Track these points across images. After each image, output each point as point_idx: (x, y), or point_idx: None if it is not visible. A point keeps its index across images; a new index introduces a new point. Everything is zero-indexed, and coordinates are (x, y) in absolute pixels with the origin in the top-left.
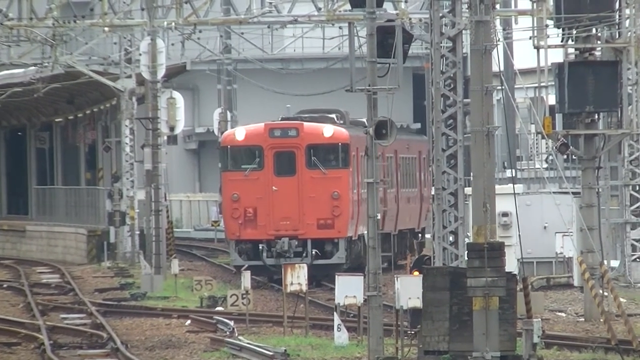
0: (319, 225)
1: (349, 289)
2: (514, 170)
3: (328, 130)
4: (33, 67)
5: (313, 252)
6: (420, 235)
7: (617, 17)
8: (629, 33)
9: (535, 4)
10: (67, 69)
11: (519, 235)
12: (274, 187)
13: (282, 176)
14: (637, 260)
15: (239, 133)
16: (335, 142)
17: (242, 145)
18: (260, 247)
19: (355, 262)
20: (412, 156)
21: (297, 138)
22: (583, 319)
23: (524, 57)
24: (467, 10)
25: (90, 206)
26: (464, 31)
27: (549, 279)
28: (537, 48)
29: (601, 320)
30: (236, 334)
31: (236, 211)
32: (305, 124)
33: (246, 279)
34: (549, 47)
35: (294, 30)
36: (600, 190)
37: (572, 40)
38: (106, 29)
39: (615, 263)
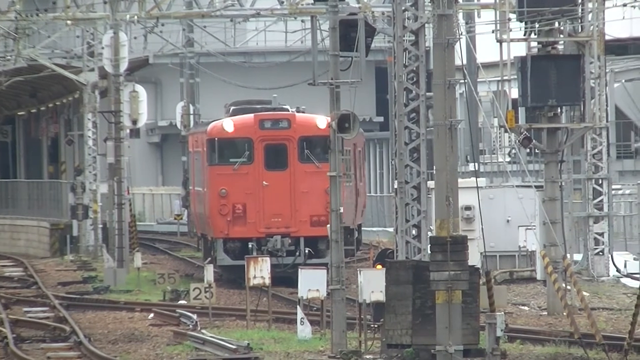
0: (312, 223)
1: (312, 283)
2: (476, 164)
3: (321, 122)
4: None
5: (306, 251)
6: (356, 232)
7: (580, 10)
8: (592, 27)
9: None
10: (29, 62)
11: (482, 228)
12: (264, 182)
13: (273, 170)
14: (600, 253)
15: (227, 124)
16: (329, 134)
17: (230, 138)
18: (250, 246)
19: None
20: (346, 149)
21: (289, 130)
22: (546, 313)
23: (487, 50)
24: (429, 4)
25: (53, 199)
26: (426, 25)
27: (512, 273)
28: (500, 42)
29: (564, 314)
30: (199, 328)
31: (224, 207)
32: (298, 114)
33: (209, 272)
34: (512, 40)
35: (257, 23)
36: (563, 183)
37: (535, 34)
38: (69, 22)
39: (578, 257)
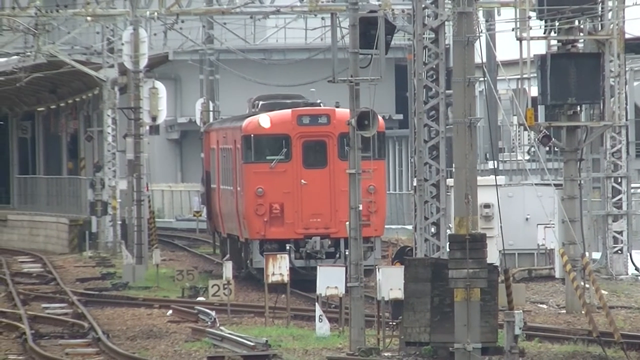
0: None
1: (330, 280)
2: (496, 162)
3: None
4: (15, 57)
5: (346, 253)
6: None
7: (600, 9)
8: (612, 25)
9: None
10: (49, 58)
11: (501, 226)
12: (302, 181)
13: (312, 168)
14: (619, 252)
15: (264, 120)
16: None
17: (267, 134)
18: (288, 248)
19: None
20: None
21: (329, 126)
22: (564, 311)
23: (507, 48)
24: (449, 2)
25: (72, 196)
26: (446, 22)
27: (531, 271)
28: (520, 40)
29: (582, 312)
30: (217, 325)
31: (261, 207)
32: (337, 110)
33: (227, 269)
34: (532, 38)
35: (277, 20)
36: (582, 182)
37: (555, 32)
38: (89, 18)
39: (596, 255)
